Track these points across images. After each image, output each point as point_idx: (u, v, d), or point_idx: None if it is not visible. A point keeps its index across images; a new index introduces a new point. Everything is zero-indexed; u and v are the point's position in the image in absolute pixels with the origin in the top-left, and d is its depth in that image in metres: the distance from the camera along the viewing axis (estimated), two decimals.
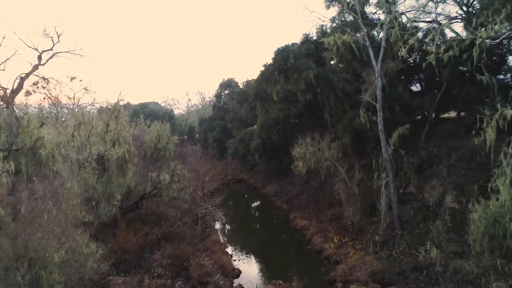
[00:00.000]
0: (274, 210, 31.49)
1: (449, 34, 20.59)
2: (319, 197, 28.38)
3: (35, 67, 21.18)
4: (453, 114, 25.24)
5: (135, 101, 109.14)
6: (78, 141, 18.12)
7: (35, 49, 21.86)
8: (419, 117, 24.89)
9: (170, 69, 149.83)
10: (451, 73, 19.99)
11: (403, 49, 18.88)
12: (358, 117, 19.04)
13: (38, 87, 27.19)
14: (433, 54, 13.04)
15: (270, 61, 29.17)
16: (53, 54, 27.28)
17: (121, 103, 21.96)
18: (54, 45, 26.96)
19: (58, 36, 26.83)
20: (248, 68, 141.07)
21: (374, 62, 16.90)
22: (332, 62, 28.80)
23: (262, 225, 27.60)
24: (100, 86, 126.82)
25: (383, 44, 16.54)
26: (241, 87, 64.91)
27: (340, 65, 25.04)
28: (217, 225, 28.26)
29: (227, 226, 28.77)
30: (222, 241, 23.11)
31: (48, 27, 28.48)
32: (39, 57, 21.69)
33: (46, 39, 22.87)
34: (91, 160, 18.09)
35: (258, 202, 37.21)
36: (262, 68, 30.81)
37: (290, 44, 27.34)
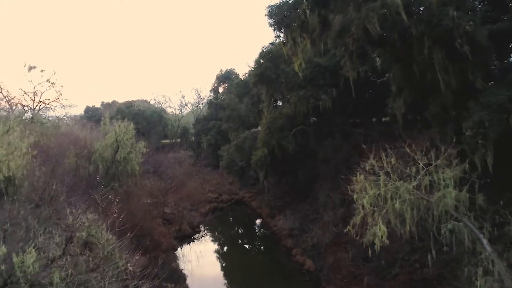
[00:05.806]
0: (293, 271, 18.43)
1: None
2: (380, 258, 15.30)
3: None
4: None
5: (122, 99, 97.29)
6: None
7: None
8: None
9: (163, 64, 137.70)
10: None
11: None
12: None
13: None
14: None
15: None
16: None
17: None
18: None
19: None
20: (251, 60, 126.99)
21: None
22: None
23: None
24: (85, 84, 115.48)
25: None
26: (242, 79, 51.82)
27: None
28: None
29: None
30: None
31: None
32: None
33: None
34: None
35: (265, 248, 24.08)
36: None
37: None
